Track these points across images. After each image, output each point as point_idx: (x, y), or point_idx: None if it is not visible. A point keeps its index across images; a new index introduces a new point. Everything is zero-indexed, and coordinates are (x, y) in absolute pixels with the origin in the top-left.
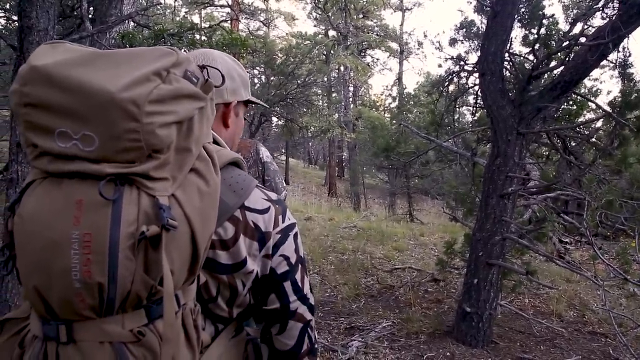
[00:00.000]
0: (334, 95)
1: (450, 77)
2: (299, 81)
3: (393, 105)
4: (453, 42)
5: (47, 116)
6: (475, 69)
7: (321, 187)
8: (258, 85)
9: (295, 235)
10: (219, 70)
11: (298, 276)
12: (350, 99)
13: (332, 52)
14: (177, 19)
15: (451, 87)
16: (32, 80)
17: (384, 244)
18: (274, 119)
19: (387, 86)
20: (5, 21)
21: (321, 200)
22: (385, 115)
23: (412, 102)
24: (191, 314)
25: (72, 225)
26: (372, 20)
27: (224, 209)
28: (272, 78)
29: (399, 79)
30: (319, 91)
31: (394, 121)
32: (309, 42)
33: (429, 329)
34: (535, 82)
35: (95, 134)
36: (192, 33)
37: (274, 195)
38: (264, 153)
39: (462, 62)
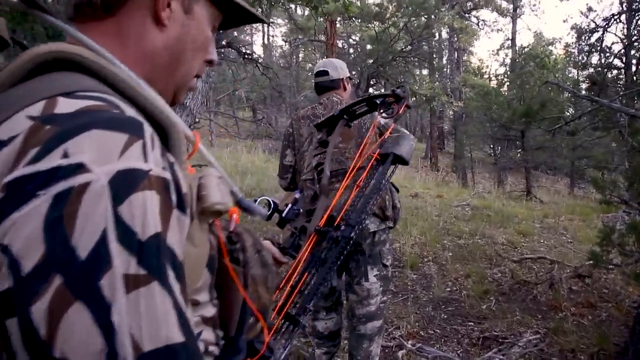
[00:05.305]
0: (435, 62)
1: (608, 23)
2: (410, 37)
3: (500, 71)
4: None
5: None
6: None
7: (420, 160)
8: (353, 54)
9: (59, 220)
10: None
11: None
12: (455, 65)
13: (433, 16)
14: None
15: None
16: None
17: (504, 226)
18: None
19: (493, 51)
20: None
21: (424, 174)
22: (491, 83)
23: (533, 64)
24: None
25: None
26: None
27: None
28: (379, 38)
29: (512, 39)
30: (415, 61)
31: (534, 82)
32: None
33: (589, 346)
34: None
35: None
36: None
37: (71, 107)
38: (381, 120)
39: None
